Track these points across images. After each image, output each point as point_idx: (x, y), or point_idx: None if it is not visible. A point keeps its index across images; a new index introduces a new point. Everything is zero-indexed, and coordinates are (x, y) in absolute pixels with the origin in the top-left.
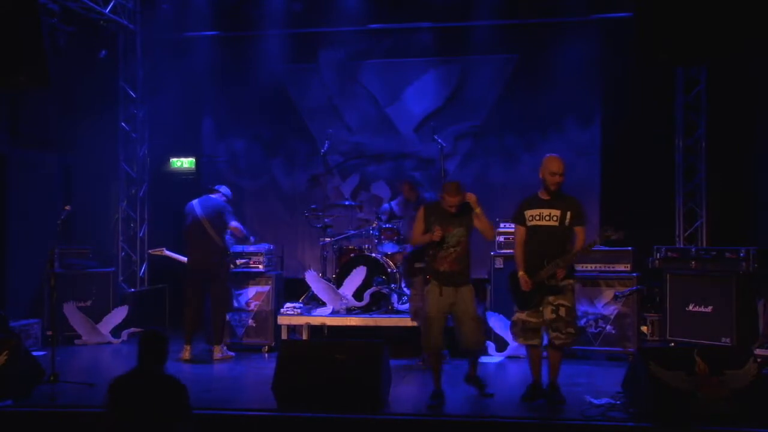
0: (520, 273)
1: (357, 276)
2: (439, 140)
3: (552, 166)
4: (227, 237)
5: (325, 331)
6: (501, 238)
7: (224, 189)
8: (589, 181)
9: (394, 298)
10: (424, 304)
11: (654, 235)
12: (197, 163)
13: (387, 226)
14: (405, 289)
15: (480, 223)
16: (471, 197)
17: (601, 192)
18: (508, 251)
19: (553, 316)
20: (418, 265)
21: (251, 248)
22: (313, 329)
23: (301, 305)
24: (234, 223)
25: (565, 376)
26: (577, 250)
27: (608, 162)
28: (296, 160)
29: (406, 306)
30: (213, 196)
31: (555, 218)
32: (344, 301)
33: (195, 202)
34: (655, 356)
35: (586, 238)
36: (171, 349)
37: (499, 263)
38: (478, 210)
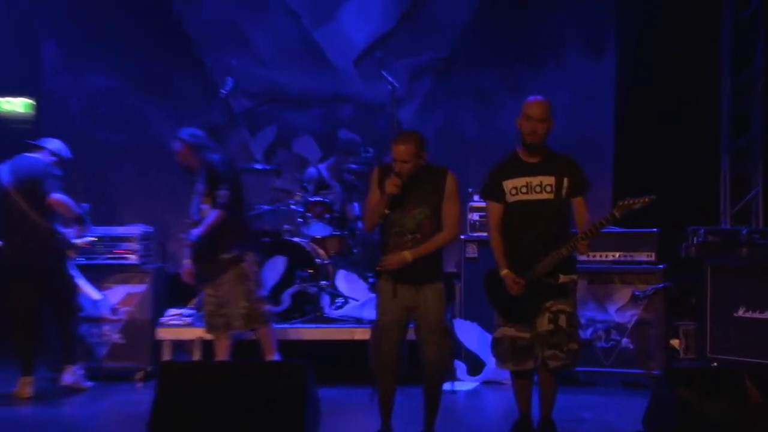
0: (504, 272)
1: (272, 270)
2: (389, 78)
3: (530, 108)
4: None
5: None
6: (475, 216)
7: (54, 145)
8: (599, 136)
9: (326, 300)
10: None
11: (689, 212)
12: (37, 106)
13: (315, 199)
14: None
15: (449, 207)
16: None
17: (615, 151)
18: (485, 234)
19: (551, 327)
20: None
21: (119, 231)
22: (209, 346)
23: (192, 312)
24: (56, 196)
25: (564, 409)
26: (597, 226)
27: (625, 109)
28: (185, 106)
29: (345, 311)
30: (33, 155)
31: (549, 188)
32: None
33: (4, 165)
34: (689, 381)
35: (588, 215)
36: None
37: (471, 251)
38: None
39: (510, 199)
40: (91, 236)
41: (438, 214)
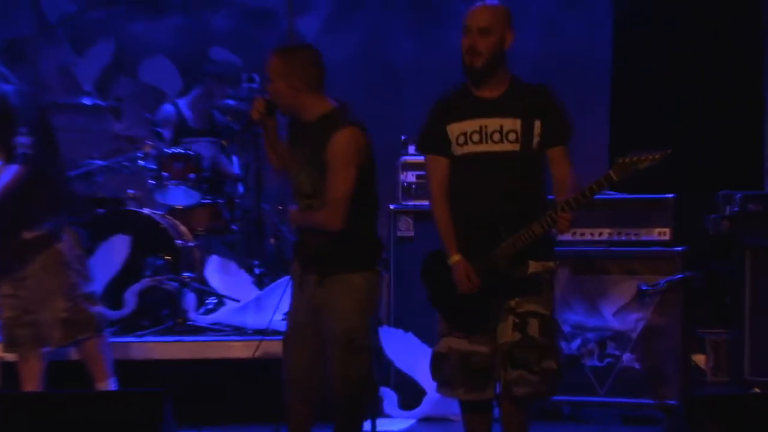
0: (454, 258)
1: (109, 256)
2: None
3: (469, 16)
4: None
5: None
6: (409, 177)
7: None
8: (590, 58)
9: (191, 301)
10: None
11: (718, 173)
12: None
13: (174, 151)
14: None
15: (331, 179)
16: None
17: (613, 81)
18: (425, 203)
19: (517, 336)
20: None
21: None
22: (10, 369)
23: None
24: None
25: None
26: (585, 192)
27: (629, 22)
28: None
29: (220, 317)
30: None
31: (512, 136)
32: None
33: None
34: (719, 414)
35: (572, 175)
36: None
37: (404, 227)
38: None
39: (457, 150)
40: None
41: None
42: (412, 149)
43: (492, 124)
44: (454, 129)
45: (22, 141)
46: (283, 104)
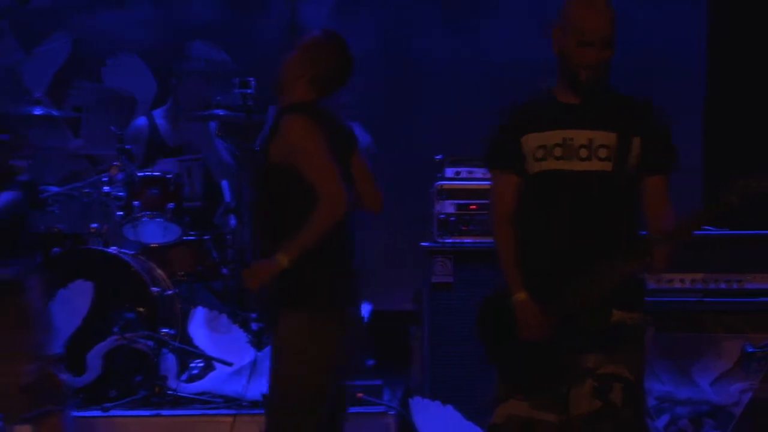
0: (519, 296)
1: (67, 308)
2: None
3: (582, 15)
4: None
5: None
6: (447, 207)
7: None
8: (682, 80)
9: (171, 365)
10: None
11: None
12: None
13: (148, 174)
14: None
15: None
16: None
17: (706, 103)
18: (467, 240)
19: (596, 404)
20: None
21: None
22: None
23: None
24: None
25: None
26: (692, 220)
27: (722, 34)
28: None
29: (207, 384)
30: None
31: (604, 152)
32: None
33: None
34: None
35: (670, 209)
36: None
37: (442, 271)
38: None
39: (533, 167)
40: None
41: (285, 188)
42: (449, 172)
43: (579, 136)
44: (531, 141)
45: (20, 164)
46: (282, 77)
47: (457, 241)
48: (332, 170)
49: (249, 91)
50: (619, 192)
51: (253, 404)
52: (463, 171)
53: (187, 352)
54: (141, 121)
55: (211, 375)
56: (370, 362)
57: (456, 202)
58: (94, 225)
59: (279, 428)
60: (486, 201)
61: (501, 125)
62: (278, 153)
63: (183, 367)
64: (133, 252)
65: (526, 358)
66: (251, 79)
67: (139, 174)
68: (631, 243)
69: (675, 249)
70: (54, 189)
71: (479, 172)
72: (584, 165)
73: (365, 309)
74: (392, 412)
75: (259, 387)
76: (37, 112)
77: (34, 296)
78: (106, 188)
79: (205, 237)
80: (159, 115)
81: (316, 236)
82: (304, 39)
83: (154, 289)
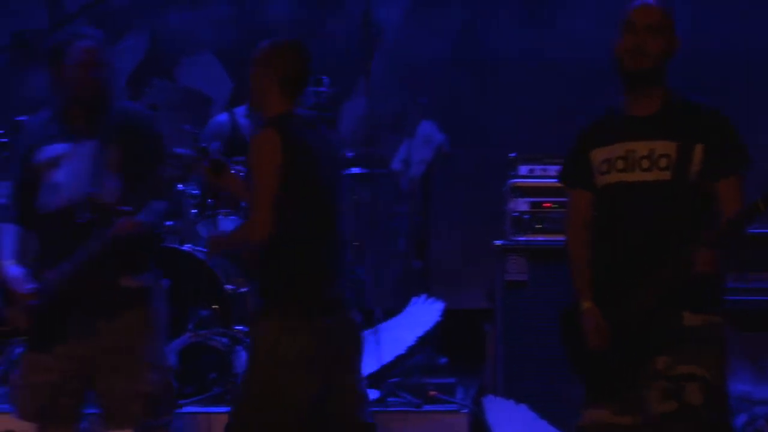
0: (585, 305)
1: None
2: None
3: (634, 12)
4: None
5: None
6: (521, 205)
7: None
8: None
9: (244, 361)
10: None
11: None
12: None
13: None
14: None
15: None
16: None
17: None
18: (541, 238)
19: (671, 406)
20: None
21: None
22: None
23: None
24: None
25: None
26: (737, 219)
27: None
28: None
29: None
30: None
31: (664, 161)
32: None
33: None
34: None
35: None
36: None
37: (515, 269)
38: None
39: (599, 180)
40: None
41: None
42: (523, 170)
43: (641, 148)
44: (598, 155)
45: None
46: (254, 96)
47: (531, 239)
48: (266, 198)
49: (322, 89)
50: (679, 200)
51: None
52: (537, 169)
53: None
54: (222, 117)
55: None
56: (443, 360)
57: (529, 199)
58: (169, 223)
59: (242, 427)
60: (561, 199)
61: (574, 144)
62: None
63: None
64: (207, 249)
65: (599, 364)
66: (324, 77)
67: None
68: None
69: (720, 251)
70: None
71: (553, 169)
72: (645, 175)
73: (434, 307)
74: (465, 411)
75: None
76: None
77: (160, 305)
78: (180, 186)
79: None
80: (241, 113)
81: (236, 247)
82: (258, 53)
83: (229, 286)
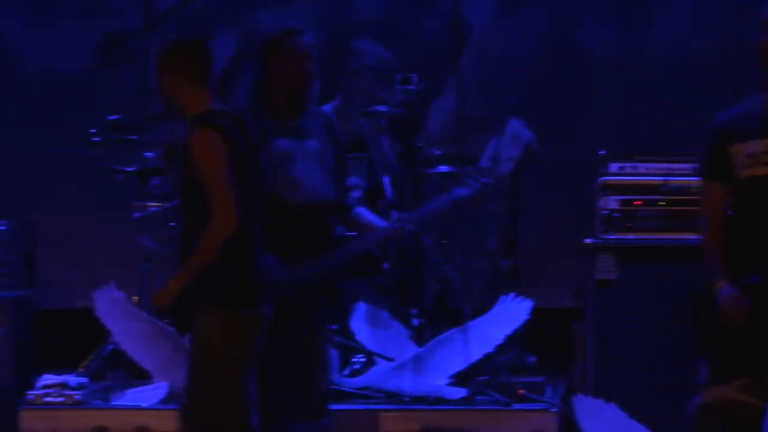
0: (720, 284)
1: None
2: None
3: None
4: None
5: None
6: (611, 203)
7: None
8: None
9: (333, 359)
10: None
11: None
12: None
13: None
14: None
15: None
16: None
17: None
18: (636, 237)
19: None
20: None
21: None
22: None
23: (84, 383)
24: None
25: None
26: None
27: None
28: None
29: (370, 379)
30: None
31: None
32: None
33: None
34: None
35: None
36: None
37: (605, 268)
38: None
39: (742, 173)
40: None
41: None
42: (614, 167)
43: None
44: (740, 150)
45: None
46: (168, 100)
47: (621, 237)
48: (228, 193)
49: (411, 87)
50: None
51: (415, 400)
52: (628, 166)
53: (349, 347)
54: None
55: (373, 370)
56: (532, 359)
57: (620, 197)
58: None
59: (193, 418)
60: (652, 197)
61: (711, 137)
62: (189, 172)
63: (345, 362)
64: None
65: (732, 343)
66: (413, 75)
67: None
68: None
69: None
70: None
71: (644, 167)
72: None
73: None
74: (554, 410)
75: (420, 383)
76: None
77: None
78: None
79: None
80: (328, 111)
81: (206, 259)
82: (156, 60)
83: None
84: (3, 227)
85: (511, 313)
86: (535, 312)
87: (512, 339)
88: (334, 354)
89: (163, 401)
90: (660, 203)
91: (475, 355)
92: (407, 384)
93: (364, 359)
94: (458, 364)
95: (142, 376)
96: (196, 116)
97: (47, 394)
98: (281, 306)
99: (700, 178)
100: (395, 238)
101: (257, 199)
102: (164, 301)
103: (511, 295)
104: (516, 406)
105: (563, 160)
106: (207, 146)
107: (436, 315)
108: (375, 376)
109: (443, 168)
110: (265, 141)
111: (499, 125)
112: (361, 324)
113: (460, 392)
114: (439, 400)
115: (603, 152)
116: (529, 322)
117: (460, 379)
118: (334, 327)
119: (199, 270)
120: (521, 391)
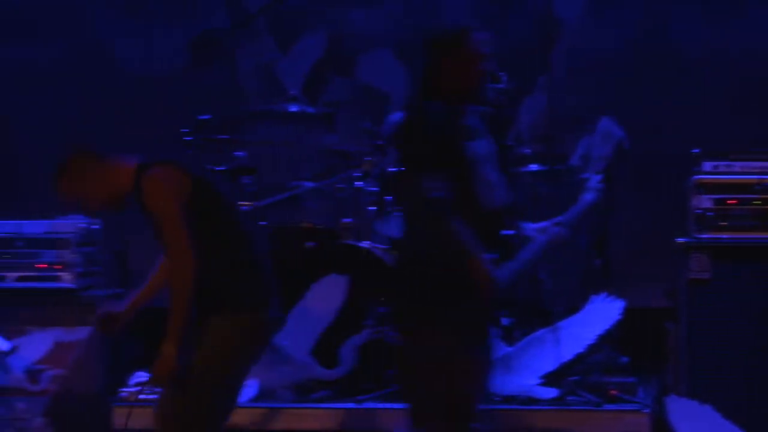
0: None
1: (322, 301)
2: None
3: None
4: None
5: None
6: (704, 202)
7: None
8: None
9: None
10: None
11: None
12: None
13: (401, 170)
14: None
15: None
16: None
17: None
18: (730, 236)
19: None
20: None
21: (35, 228)
22: None
23: None
24: None
25: None
26: None
27: None
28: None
29: None
30: None
31: None
32: (292, 367)
33: None
34: None
35: None
36: None
37: (699, 267)
38: None
39: None
40: None
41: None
42: (707, 166)
43: None
44: None
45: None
46: (103, 202)
47: (715, 236)
48: (179, 230)
49: (500, 86)
50: None
51: (506, 399)
52: (722, 165)
53: None
54: (397, 116)
55: None
56: (624, 359)
57: (713, 196)
58: (347, 220)
59: (173, 416)
60: (746, 195)
61: None
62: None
63: None
64: (384, 246)
65: None
66: (503, 74)
67: (391, 170)
68: None
69: None
70: (308, 184)
71: (738, 165)
72: None
73: (614, 305)
74: (647, 411)
75: (510, 382)
76: (293, 109)
77: None
78: (358, 183)
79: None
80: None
81: (184, 308)
82: (60, 176)
83: None
84: (96, 226)
85: (602, 313)
86: (627, 311)
87: (604, 339)
88: None
89: (252, 399)
90: (755, 202)
91: (566, 355)
92: (497, 384)
93: None
94: (549, 364)
95: None
96: (139, 171)
97: (141, 392)
98: (493, 307)
99: None
100: (554, 243)
101: (238, 215)
102: (167, 370)
103: (603, 294)
104: (607, 406)
105: (655, 159)
106: (160, 186)
107: (526, 314)
108: None
109: (533, 167)
110: (465, 141)
111: (590, 124)
112: None
113: (550, 392)
114: (530, 400)
115: (696, 150)
116: (620, 322)
117: (550, 379)
118: None
119: (183, 322)
120: (613, 392)
